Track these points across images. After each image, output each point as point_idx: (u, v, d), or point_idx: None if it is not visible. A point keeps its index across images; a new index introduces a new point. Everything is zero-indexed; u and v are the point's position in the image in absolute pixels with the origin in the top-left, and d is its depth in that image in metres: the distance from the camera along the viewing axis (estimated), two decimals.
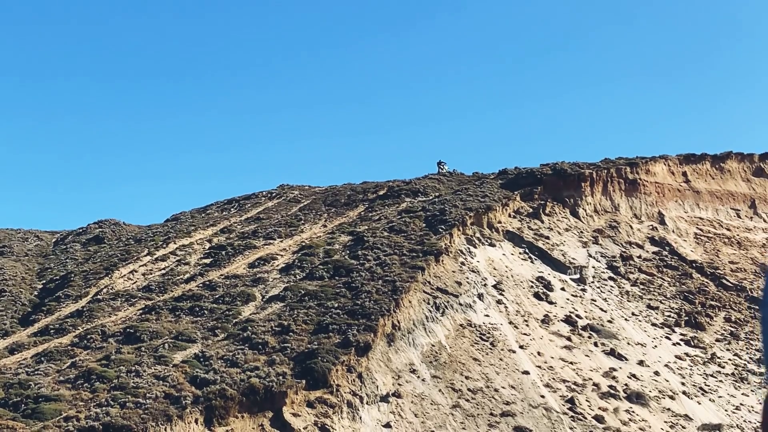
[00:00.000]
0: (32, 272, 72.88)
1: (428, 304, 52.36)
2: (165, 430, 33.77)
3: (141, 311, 52.43)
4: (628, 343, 58.57)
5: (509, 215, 77.47)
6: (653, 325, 64.27)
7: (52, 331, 50.99)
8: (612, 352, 55.98)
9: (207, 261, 65.30)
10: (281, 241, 68.57)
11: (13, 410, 35.79)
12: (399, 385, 42.95)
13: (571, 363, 52.52)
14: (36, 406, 35.56)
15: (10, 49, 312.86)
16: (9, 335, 52.33)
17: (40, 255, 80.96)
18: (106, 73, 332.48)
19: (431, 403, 42.41)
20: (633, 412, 48.18)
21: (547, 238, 75.49)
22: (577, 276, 70.06)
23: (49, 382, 39.22)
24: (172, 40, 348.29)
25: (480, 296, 57.18)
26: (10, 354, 47.01)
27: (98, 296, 58.32)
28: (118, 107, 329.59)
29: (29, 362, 43.90)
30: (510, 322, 55.75)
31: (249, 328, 45.90)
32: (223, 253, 66.45)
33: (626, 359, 55.65)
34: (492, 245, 69.30)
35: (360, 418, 39.47)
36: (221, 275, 59.26)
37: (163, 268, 64.85)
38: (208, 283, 57.15)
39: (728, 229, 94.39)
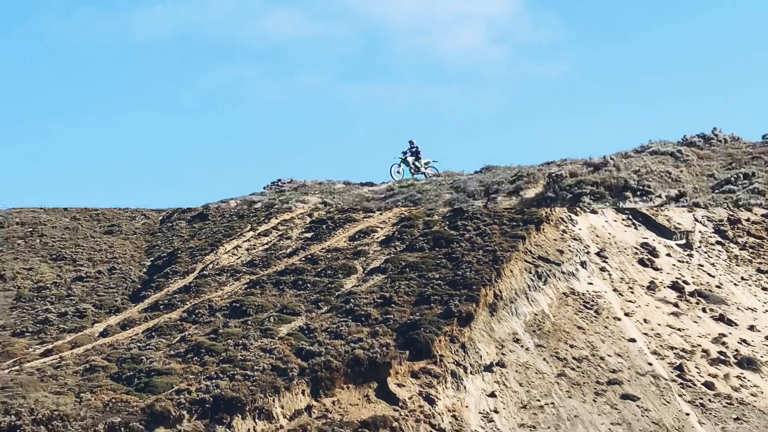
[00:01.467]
0: (140, 250, 74.71)
1: (530, 273, 51.80)
2: (273, 401, 34.30)
3: (246, 286, 53.22)
4: (738, 308, 56.94)
5: None
6: (764, 289, 62.28)
7: (161, 306, 52.17)
8: (721, 318, 54.50)
9: (308, 235, 65.90)
10: (380, 214, 68.77)
11: (126, 384, 36.80)
12: (503, 354, 42.70)
13: (678, 330, 51.39)
14: (148, 380, 36.48)
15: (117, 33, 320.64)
16: (120, 311, 53.77)
17: (148, 233, 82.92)
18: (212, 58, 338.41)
19: (536, 372, 42.09)
20: (744, 377, 46.92)
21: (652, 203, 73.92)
22: (683, 241, 68.28)
23: (160, 357, 40.16)
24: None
25: (583, 264, 56.28)
26: (122, 330, 48.32)
27: (204, 272, 59.41)
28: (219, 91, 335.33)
29: (141, 337, 45.04)
30: (614, 290, 54.78)
31: (351, 300, 46.14)
32: (324, 227, 66.99)
33: (736, 325, 54.16)
34: (594, 212, 68.05)
35: (464, 387, 39.44)
36: (322, 249, 59.69)
37: (266, 243, 65.69)
38: (310, 256, 57.64)
39: None
